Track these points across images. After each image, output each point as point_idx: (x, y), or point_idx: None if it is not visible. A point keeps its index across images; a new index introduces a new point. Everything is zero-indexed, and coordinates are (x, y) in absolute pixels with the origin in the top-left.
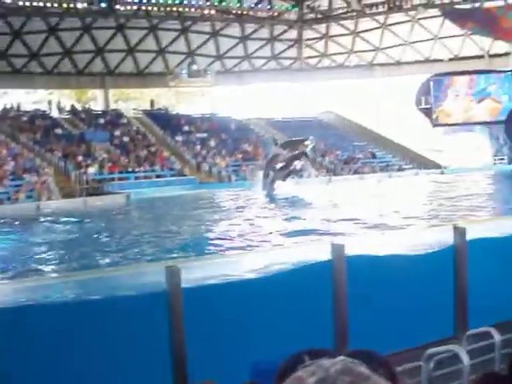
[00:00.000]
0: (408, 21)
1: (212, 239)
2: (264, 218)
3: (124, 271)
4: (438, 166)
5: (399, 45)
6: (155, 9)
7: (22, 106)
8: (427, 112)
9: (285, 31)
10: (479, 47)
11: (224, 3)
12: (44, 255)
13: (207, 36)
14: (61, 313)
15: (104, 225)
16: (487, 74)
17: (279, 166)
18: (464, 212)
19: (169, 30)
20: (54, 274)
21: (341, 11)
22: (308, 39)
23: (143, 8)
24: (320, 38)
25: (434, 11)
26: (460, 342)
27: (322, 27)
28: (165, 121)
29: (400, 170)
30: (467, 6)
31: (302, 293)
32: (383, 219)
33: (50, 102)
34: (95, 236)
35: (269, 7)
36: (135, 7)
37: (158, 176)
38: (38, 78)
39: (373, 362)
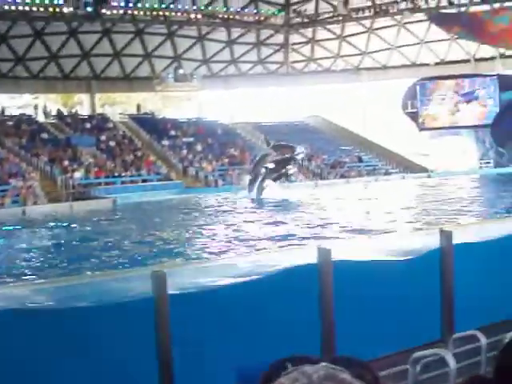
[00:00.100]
0: (394, 25)
1: (198, 244)
2: (251, 222)
3: (110, 276)
4: (424, 170)
5: (385, 49)
6: (141, 13)
7: (7, 110)
8: (413, 116)
9: (271, 35)
10: (465, 51)
11: (210, 7)
12: (28, 260)
13: (193, 40)
14: (44, 319)
15: (90, 230)
16: (473, 78)
17: (270, 166)
18: (450, 216)
19: (155, 34)
20: (38, 280)
21: (327, 16)
22: (294, 43)
23: (129, 12)
24: (306, 43)
25: (421, 15)
26: (446, 345)
27: (309, 31)
28: (151, 125)
29: (386, 174)
30: (453, 11)
31: (289, 297)
32: (370, 223)
33: (35, 107)
34: (80, 241)
35: (255, 12)
36: (121, 11)
37: (144, 180)
38: (23, 82)
39: (355, 367)
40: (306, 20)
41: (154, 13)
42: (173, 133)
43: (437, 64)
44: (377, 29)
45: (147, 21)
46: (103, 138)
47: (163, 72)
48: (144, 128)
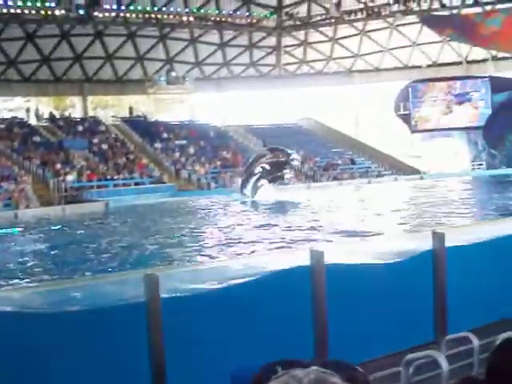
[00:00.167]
0: (386, 27)
1: (191, 247)
2: (243, 224)
3: (102, 280)
4: (416, 172)
5: (378, 51)
6: (133, 16)
7: None
8: (406, 118)
9: (263, 38)
10: (457, 54)
11: (202, 10)
12: (20, 264)
13: (186, 43)
14: (35, 323)
15: (82, 233)
16: (465, 80)
17: (267, 167)
18: (443, 217)
19: (147, 36)
20: (30, 284)
21: (319, 18)
22: (287, 46)
23: (121, 15)
24: (299, 45)
25: (413, 18)
26: (439, 347)
27: (301, 34)
28: (143, 128)
29: (379, 176)
30: (445, 13)
31: (282, 299)
32: (363, 225)
33: (27, 110)
34: (73, 245)
35: (247, 14)
36: (113, 14)
37: (136, 183)
38: (15, 85)
39: (346, 371)
40: (298, 22)
41: (146, 15)
42: (165, 135)
43: (429, 66)
44: (369, 31)
45: (139, 23)
46: (95, 140)
47: (155, 75)
48: (136, 131)
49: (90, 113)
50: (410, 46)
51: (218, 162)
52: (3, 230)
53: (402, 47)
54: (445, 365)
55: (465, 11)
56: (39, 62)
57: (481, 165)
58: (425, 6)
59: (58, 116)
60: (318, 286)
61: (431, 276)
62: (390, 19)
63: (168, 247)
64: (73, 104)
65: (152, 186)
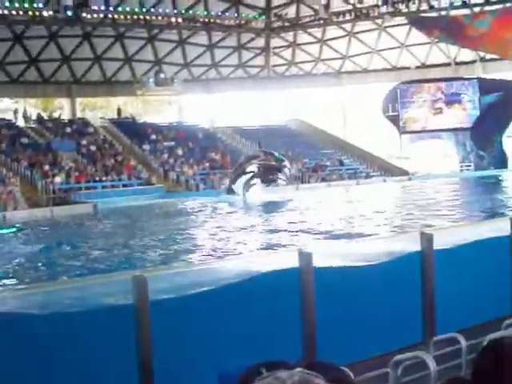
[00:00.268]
0: (375, 29)
1: (179, 249)
2: (232, 226)
3: (90, 281)
4: (405, 173)
5: (366, 53)
6: (122, 17)
7: None
8: (394, 119)
9: (252, 39)
10: (446, 55)
11: (191, 11)
12: (5, 266)
13: (174, 44)
14: (21, 325)
15: (70, 235)
16: (453, 81)
17: (262, 168)
18: (431, 218)
19: (135, 38)
20: (16, 286)
21: (308, 19)
22: (275, 47)
23: (110, 16)
24: (287, 46)
25: (401, 19)
26: (427, 347)
27: (290, 35)
28: (132, 129)
29: (368, 177)
30: (434, 15)
31: (271, 301)
32: (351, 226)
33: (15, 111)
34: (60, 246)
35: (236, 15)
36: (101, 15)
37: (125, 185)
38: (3, 86)
39: (331, 373)
40: (286, 24)
41: (135, 17)
42: (153, 137)
43: (417, 68)
44: (357, 32)
45: (128, 25)
46: (84, 142)
47: (144, 76)
48: (125, 132)
49: (79, 114)
50: (399, 47)
51: (207, 164)
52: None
53: (390, 48)
54: (432, 365)
55: (453, 13)
56: (27, 63)
57: (469, 166)
58: (413, 8)
59: (46, 117)
60: (306, 287)
61: (419, 277)
62: (379, 21)
63: (156, 249)
64: (61, 105)
65: (140, 187)
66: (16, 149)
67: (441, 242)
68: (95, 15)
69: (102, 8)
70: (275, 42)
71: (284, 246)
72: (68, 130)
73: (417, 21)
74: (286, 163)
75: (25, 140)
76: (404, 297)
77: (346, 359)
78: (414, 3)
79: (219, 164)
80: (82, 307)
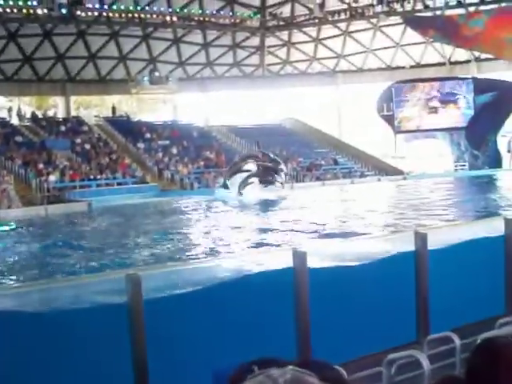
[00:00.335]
0: (370, 28)
1: (173, 247)
2: (226, 224)
3: (84, 280)
4: (400, 173)
5: (361, 52)
6: (116, 15)
7: None
8: (389, 119)
9: (247, 38)
10: (441, 55)
11: (186, 10)
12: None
13: (169, 43)
14: (14, 323)
15: (64, 233)
16: (448, 81)
17: (261, 168)
18: (425, 218)
19: (130, 36)
20: (9, 284)
21: (303, 18)
22: (270, 46)
23: (104, 14)
24: (282, 45)
25: (396, 19)
26: (421, 346)
27: (285, 34)
28: (126, 128)
29: (362, 176)
30: (429, 14)
31: (264, 300)
32: (345, 226)
33: (10, 110)
34: (55, 245)
35: (231, 14)
36: (96, 13)
37: (119, 184)
38: None
39: (323, 371)
40: (281, 23)
41: (129, 15)
42: (148, 136)
43: (412, 67)
44: (352, 32)
45: (122, 23)
46: (78, 140)
47: (138, 74)
48: (119, 131)
49: (73, 112)
50: (394, 46)
51: (201, 162)
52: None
53: (385, 48)
54: (426, 364)
55: (448, 12)
56: (21, 61)
57: (464, 165)
58: (408, 7)
59: (40, 116)
60: (300, 286)
61: (413, 276)
62: (374, 20)
63: (150, 247)
64: (55, 104)
65: (135, 186)
66: (10, 147)
67: (435, 242)
68: (90, 13)
69: (97, 6)
70: (270, 40)
71: (278, 245)
72: (62, 128)
73: (412, 20)
74: (283, 166)
75: (19, 138)
76: (398, 296)
77: (340, 358)
78: (408, 3)
79: (214, 163)
80: (75, 306)
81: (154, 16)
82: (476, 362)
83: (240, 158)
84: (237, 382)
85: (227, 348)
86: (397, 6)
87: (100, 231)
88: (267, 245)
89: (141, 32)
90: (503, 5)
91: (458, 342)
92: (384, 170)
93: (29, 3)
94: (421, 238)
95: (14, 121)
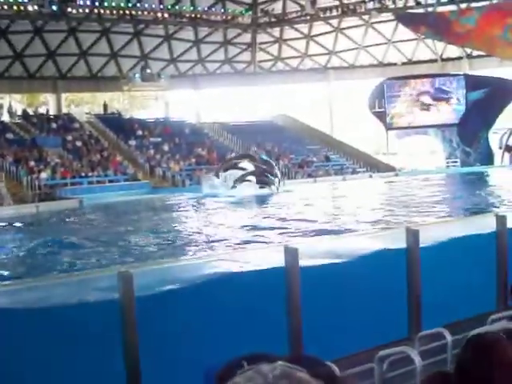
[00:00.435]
0: (362, 25)
1: (165, 244)
2: (218, 221)
3: (76, 277)
4: (391, 169)
5: (353, 49)
6: (107, 12)
7: None
8: (381, 115)
9: (238, 35)
10: (432, 51)
11: (177, 7)
12: None
13: (160, 39)
14: (7, 320)
15: (55, 231)
16: (440, 77)
17: (260, 168)
18: (416, 214)
19: (121, 33)
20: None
21: (295, 15)
22: (262, 43)
23: (95, 11)
24: (274, 42)
25: (388, 15)
26: (413, 343)
27: (276, 31)
28: (118, 125)
29: (354, 173)
30: (420, 11)
31: (256, 296)
32: (337, 222)
33: (0, 107)
34: (46, 242)
35: (222, 11)
36: (87, 10)
37: (111, 181)
38: None
39: (313, 366)
40: (273, 19)
41: (121, 12)
42: (140, 133)
43: (404, 64)
44: (344, 28)
45: (113, 20)
46: (69, 138)
47: (130, 71)
48: (111, 128)
49: (64, 110)
50: (385, 43)
51: (193, 159)
52: None
53: (377, 44)
54: (418, 360)
55: (440, 9)
56: (12, 58)
57: (455, 162)
58: (400, 4)
59: (31, 113)
60: (292, 282)
61: (405, 272)
62: (366, 16)
63: (142, 245)
64: (46, 101)
65: (127, 183)
66: (1, 144)
67: (427, 238)
68: (81, 10)
69: (88, 3)
70: (262, 37)
71: (270, 241)
72: (53, 125)
73: (403, 17)
74: (277, 171)
75: (10, 136)
76: (390, 292)
77: (332, 355)
78: None
79: (206, 160)
80: (67, 303)
81: (146, 13)
82: (466, 358)
83: (236, 156)
84: (226, 378)
85: (219, 344)
86: (388, 3)
87: (91, 228)
88: (259, 242)
89: (132, 29)
90: (494, 1)
91: (449, 338)
92: (376, 166)
93: (19, 0)
94: (412, 235)
95: (5, 118)
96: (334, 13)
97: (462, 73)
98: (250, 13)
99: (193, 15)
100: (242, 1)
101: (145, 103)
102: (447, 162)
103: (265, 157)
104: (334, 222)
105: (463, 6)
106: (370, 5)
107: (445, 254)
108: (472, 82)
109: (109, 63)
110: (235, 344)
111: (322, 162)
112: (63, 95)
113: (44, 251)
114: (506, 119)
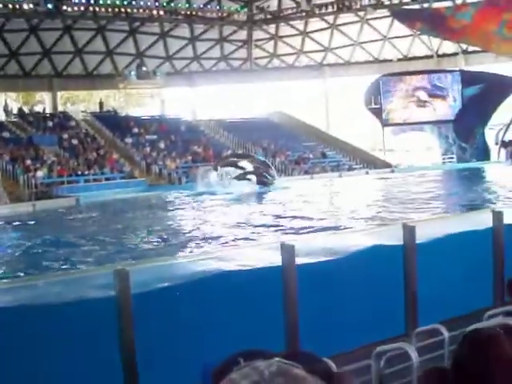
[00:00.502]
0: (357, 21)
1: (162, 242)
2: (213, 218)
3: (72, 275)
4: (388, 166)
5: (349, 45)
6: (103, 10)
7: None
8: (377, 112)
9: (234, 32)
10: (428, 47)
11: (173, 4)
12: None
13: (156, 37)
14: (6, 317)
15: (52, 229)
16: (436, 73)
17: (260, 169)
18: (413, 210)
19: (117, 31)
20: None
21: (290, 12)
22: (257, 40)
23: (90, 9)
24: (269, 39)
25: (383, 12)
26: (410, 339)
27: (272, 28)
28: (114, 123)
29: (350, 169)
30: (416, 7)
31: (254, 293)
32: (333, 219)
33: None
34: (42, 241)
35: (218, 8)
36: (82, 8)
37: (107, 179)
38: None
39: (310, 362)
40: (269, 16)
41: (116, 9)
42: (136, 130)
43: (400, 60)
44: (340, 25)
45: (109, 17)
46: (66, 136)
47: (126, 69)
48: (107, 126)
49: (60, 108)
50: (381, 39)
51: (189, 157)
52: None
53: (372, 41)
54: (415, 357)
55: (435, 5)
56: (7, 56)
57: (451, 158)
58: (395, 0)
59: (27, 111)
60: (288, 279)
61: (402, 269)
62: (361, 13)
63: (139, 242)
64: (42, 99)
65: (123, 181)
66: None
67: (423, 234)
68: (76, 8)
69: (83, 1)
70: (257, 34)
71: (267, 238)
72: (50, 123)
73: (399, 13)
74: (274, 172)
75: (6, 134)
76: (386, 289)
77: (329, 352)
78: None
79: (202, 157)
80: (63, 301)
81: (141, 10)
82: (462, 353)
83: (237, 155)
84: (223, 375)
85: (216, 341)
86: None
87: (87, 227)
88: (255, 239)
89: (127, 26)
90: None
91: (446, 334)
92: (372, 163)
93: None
94: (409, 231)
95: (1, 117)
96: (330, 9)
97: (457, 69)
98: (246, 10)
99: (188, 12)
100: None
101: (141, 101)
102: (443, 158)
103: (261, 157)
104: (331, 219)
105: (459, 1)
106: (366, 1)
107: (441, 250)
108: (468, 78)
109: (104, 61)
110: (232, 341)
111: (319, 158)
112: (59, 93)
113: (40, 249)
114: (502, 115)
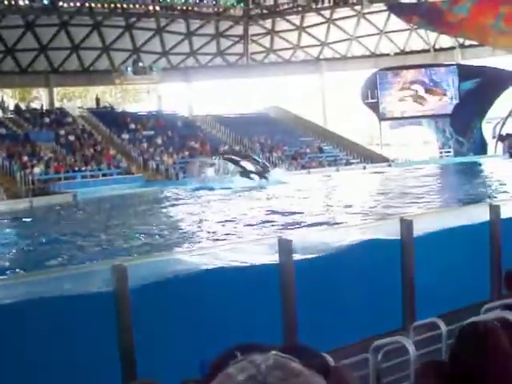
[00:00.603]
0: (354, 15)
1: (159, 237)
2: (211, 213)
3: (70, 271)
4: (385, 160)
5: (345, 40)
6: (99, 5)
7: None
8: (373, 106)
9: (230, 27)
10: (425, 41)
11: None
12: None
13: (152, 32)
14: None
15: (49, 225)
16: (433, 67)
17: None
18: (410, 204)
19: (113, 26)
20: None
21: (286, 6)
22: (254, 35)
23: (86, 5)
24: (266, 34)
25: (380, 6)
26: (408, 333)
27: (268, 23)
28: (111, 119)
29: (347, 164)
30: (412, 1)
31: (251, 288)
32: (330, 214)
33: None
34: (40, 237)
35: (214, 3)
36: (78, 4)
37: (104, 175)
38: None
39: (307, 356)
40: (265, 11)
41: (112, 5)
42: (132, 126)
43: (396, 54)
44: (336, 19)
45: (105, 13)
46: (62, 132)
47: (122, 65)
48: (103, 122)
49: (57, 104)
50: (378, 34)
51: (186, 152)
52: None
53: (369, 35)
54: (412, 350)
55: None
56: (3, 53)
57: (449, 152)
58: None
59: (23, 108)
60: (286, 274)
61: (399, 263)
62: (358, 7)
63: (136, 238)
64: (39, 95)
65: (120, 177)
66: None
67: (420, 229)
68: (72, 4)
69: None
70: (253, 29)
71: (265, 233)
72: (46, 120)
73: (395, 7)
74: (270, 168)
75: (2, 131)
76: (384, 283)
77: (327, 346)
78: None
79: (199, 152)
80: (63, 296)
81: (137, 6)
82: (459, 346)
83: (234, 152)
84: (220, 368)
85: (214, 335)
86: None
87: (84, 222)
88: (253, 234)
89: (124, 22)
90: None
91: (443, 328)
92: (369, 157)
93: None
94: (406, 225)
95: None
96: (326, 4)
97: (454, 63)
98: (242, 5)
99: (184, 8)
100: None
101: (137, 96)
102: (440, 152)
103: (258, 158)
104: (328, 214)
105: None
106: None
107: (439, 244)
108: (465, 72)
109: (101, 57)
110: (230, 335)
111: (316, 153)
112: (55, 89)
113: (38, 246)
114: (499, 109)
